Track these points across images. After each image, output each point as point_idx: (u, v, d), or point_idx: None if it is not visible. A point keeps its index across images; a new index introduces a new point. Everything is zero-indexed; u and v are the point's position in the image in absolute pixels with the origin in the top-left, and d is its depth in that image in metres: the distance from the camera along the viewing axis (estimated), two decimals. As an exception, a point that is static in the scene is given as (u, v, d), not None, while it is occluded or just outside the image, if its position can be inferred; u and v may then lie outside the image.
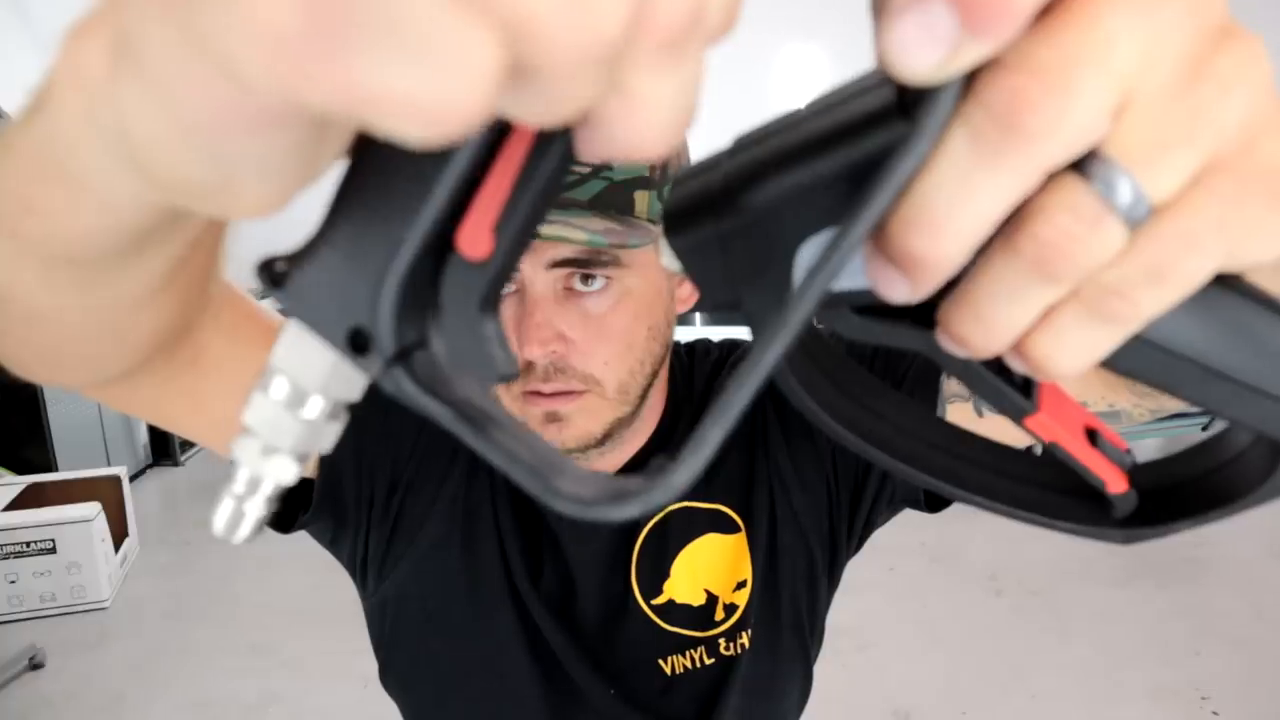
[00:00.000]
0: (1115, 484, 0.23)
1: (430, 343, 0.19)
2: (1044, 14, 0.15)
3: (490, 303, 0.19)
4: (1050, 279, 0.16)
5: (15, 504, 2.68)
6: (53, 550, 2.57)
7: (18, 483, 2.86)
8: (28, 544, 2.55)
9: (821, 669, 0.73)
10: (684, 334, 0.73)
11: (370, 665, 0.69)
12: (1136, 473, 0.24)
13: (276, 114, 0.13)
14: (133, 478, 3.19)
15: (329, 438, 0.21)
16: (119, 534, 2.82)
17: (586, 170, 0.52)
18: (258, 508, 0.21)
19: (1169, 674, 2.24)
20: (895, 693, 2.18)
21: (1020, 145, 0.15)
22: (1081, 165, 0.15)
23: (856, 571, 0.75)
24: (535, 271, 0.53)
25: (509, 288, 0.54)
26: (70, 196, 0.22)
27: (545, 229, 0.49)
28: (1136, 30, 0.15)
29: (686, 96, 0.14)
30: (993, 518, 0.27)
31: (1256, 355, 0.18)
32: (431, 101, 0.11)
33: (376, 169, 0.17)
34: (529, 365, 0.54)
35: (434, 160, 0.16)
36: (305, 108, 0.12)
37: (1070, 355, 0.17)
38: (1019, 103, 0.14)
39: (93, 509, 2.64)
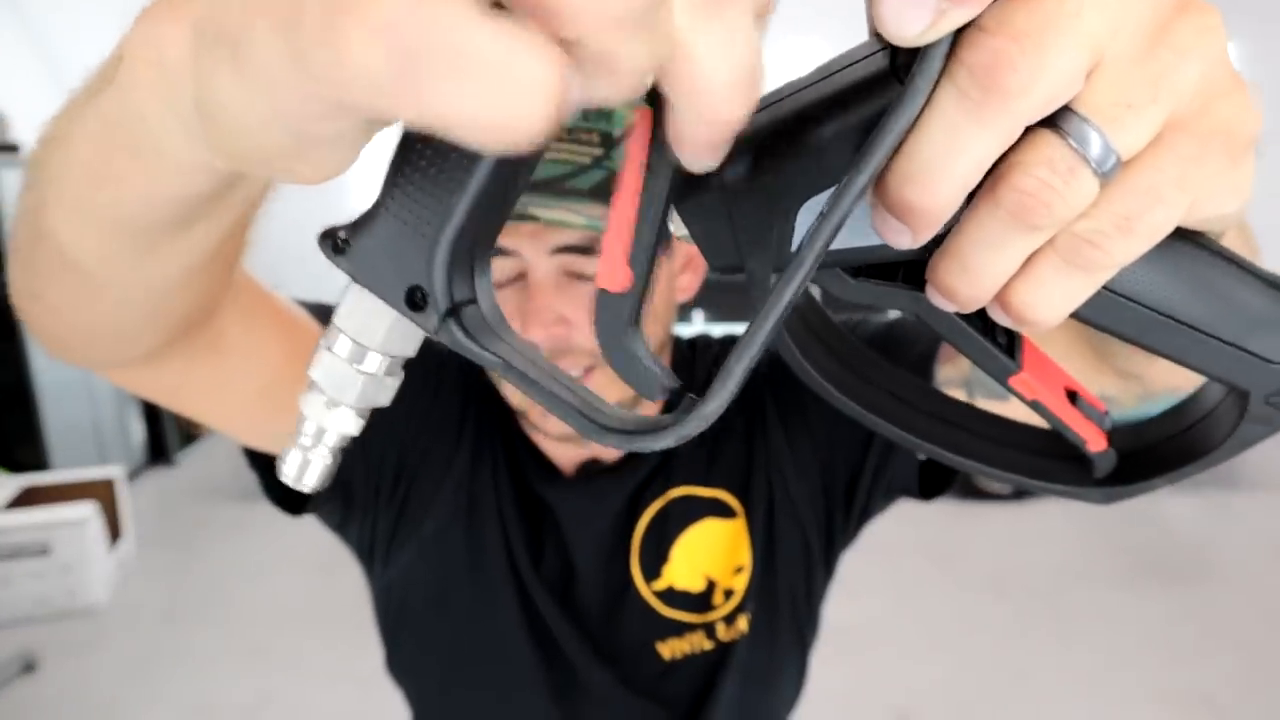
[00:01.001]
0: (1095, 442, 0.25)
1: (479, 299, 0.21)
2: None
3: (638, 320, 0.20)
4: (1030, 228, 0.18)
5: (9, 505, 2.67)
6: (47, 552, 2.56)
7: (11, 483, 2.85)
8: (21, 546, 2.54)
9: (822, 669, 0.73)
10: (683, 332, 0.74)
11: (367, 667, 0.69)
12: (1115, 434, 0.25)
13: None
14: (128, 478, 3.17)
15: (387, 393, 0.23)
16: (114, 535, 2.81)
17: (587, 161, 0.53)
18: (323, 456, 0.23)
19: (1172, 677, 2.23)
20: (896, 694, 2.18)
21: (1000, 102, 0.16)
22: (1056, 122, 0.17)
23: (858, 572, 0.75)
24: (538, 257, 0.54)
25: (511, 274, 0.56)
26: (138, 163, 0.24)
27: (546, 214, 0.51)
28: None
29: (739, 49, 0.15)
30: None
31: (1218, 306, 0.20)
32: (506, 120, 0.13)
33: (427, 145, 0.18)
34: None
35: None
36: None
37: (1048, 303, 0.19)
38: (999, 64, 0.16)
39: (87, 510, 2.63)
